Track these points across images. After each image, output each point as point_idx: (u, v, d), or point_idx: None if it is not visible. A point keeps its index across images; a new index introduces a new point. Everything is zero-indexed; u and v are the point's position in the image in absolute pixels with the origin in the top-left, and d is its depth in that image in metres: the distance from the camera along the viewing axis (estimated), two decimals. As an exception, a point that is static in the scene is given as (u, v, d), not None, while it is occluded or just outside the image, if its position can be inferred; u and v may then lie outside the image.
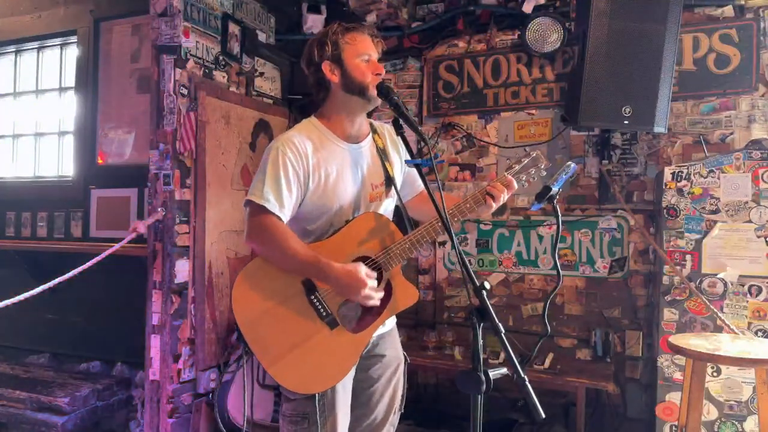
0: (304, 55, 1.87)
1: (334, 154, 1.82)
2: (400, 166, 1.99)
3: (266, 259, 1.77)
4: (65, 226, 4.02)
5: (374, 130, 1.95)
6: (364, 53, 1.79)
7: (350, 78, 1.79)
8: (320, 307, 1.75)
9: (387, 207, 1.95)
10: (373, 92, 1.78)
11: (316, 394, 1.76)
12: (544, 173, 1.94)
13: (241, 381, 3.12)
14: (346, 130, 1.86)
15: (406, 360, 2.04)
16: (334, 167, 1.81)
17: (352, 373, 1.86)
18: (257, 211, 1.73)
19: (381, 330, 1.92)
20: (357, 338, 1.78)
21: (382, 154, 1.92)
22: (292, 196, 1.76)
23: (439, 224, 1.76)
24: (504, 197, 1.82)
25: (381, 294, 1.74)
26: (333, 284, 1.71)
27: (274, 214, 1.72)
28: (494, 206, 1.83)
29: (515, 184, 1.84)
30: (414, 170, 1.92)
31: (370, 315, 1.80)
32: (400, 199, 1.94)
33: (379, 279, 1.79)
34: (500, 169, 3.59)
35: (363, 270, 1.69)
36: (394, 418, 2.01)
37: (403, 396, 2.02)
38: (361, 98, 1.80)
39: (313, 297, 1.75)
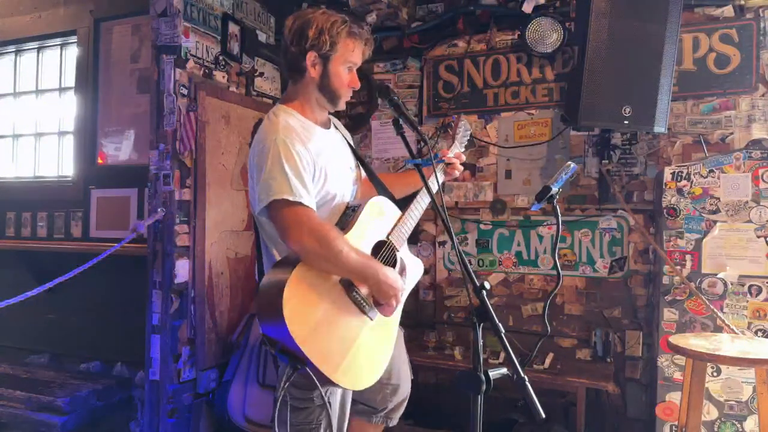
0: (293, 26, 1.78)
1: (321, 141, 1.82)
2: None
3: (308, 261, 1.66)
4: (65, 226, 4.02)
5: (330, 119, 2.00)
6: (351, 63, 1.82)
7: (327, 81, 1.80)
8: (361, 301, 1.76)
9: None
10: (342, 105, 1.86)
11: (331, 401, 1.78)
12: (469, 134, 2.23)
13: (240, 380, 3.12)
14: (318, 117, 1.87)
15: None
16: (326, 154, 1.81)
17: None
18: (296, 210, 1.65)
19: None
20: (392, 319, 1.89)
21: (345, 138, 2.00)
22: (313, 186, 1.74)
23: (426, 192, 1.85)
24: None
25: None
26: (376, 285, 1.76)
27: (310, 208, 1.67)
28: (457, 171, 2.06)
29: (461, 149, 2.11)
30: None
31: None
32: (370, 173, 2.02)
33: (395, 260, 1.90)
34: (500, 169, 3.59)
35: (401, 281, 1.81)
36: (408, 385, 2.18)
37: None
38: (330, 103, 1.85)
39: (354, 293, 1.75)
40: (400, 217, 1.90)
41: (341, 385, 1.68)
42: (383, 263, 1.80)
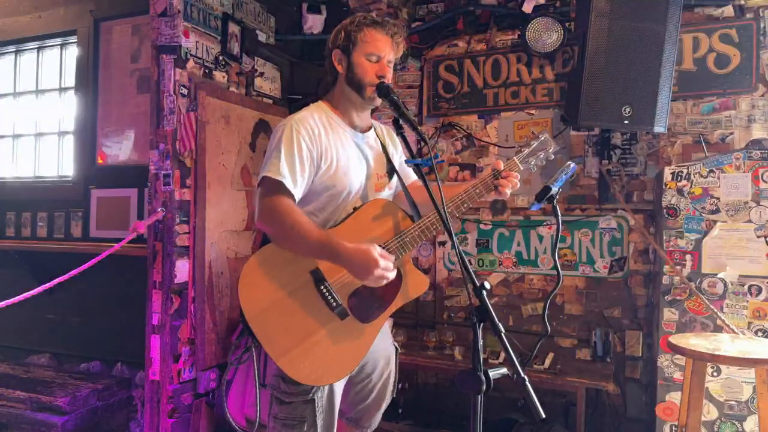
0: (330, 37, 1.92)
1: (343, 139, 1.85)
2: (397, 160, 2.04)
3: (276, 243, 1.73)
4: (65, 226, 4.02)
5: (374, 126, 2.01)
6: (373, 52, 1.82)
7: (352, 73, 1.82)
8: (330, 297, 1.72)
9: (388, 198, 1.98)
10: (370, 93, 1.81)
11: (315, 398, 1.74)
12: (553, 157, 1.96)
13: (241, 380, 3.12)
14: (353, 119, 1.90)
15: (396, 350, 2.07)
16: (345, 152, 1.83)
17: None
18: (273, 188, 1.70)
19: None
20: (368, 328, 1.77)
21: (383, 146, 1.97)
22: (304, 174, 1.74)
23: (448, 211, 1.76)
24: (514, 183, 1.85)
25: (394, 273, 1.70)
26: (346, 264, 1.68)
27: (289, 191, 1.69)
28: (507, 194, 1.86)
29: (521, 167, 1.89)
30: (405, 165, 2.03)
31: (380, 304, 1.79)
32: (403, 185, 1.95)
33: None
34: (500, 169, 3.59)
35: (377, 250, 1.66)
36: (386, 403, 2.06)
37: (395, 383, 2.05)
38: (359, 95, 1.83)
39: (322, 287, 1.72)
40: (409, 227, 1.81)
41: (286, 373, 1.69)
42: None
